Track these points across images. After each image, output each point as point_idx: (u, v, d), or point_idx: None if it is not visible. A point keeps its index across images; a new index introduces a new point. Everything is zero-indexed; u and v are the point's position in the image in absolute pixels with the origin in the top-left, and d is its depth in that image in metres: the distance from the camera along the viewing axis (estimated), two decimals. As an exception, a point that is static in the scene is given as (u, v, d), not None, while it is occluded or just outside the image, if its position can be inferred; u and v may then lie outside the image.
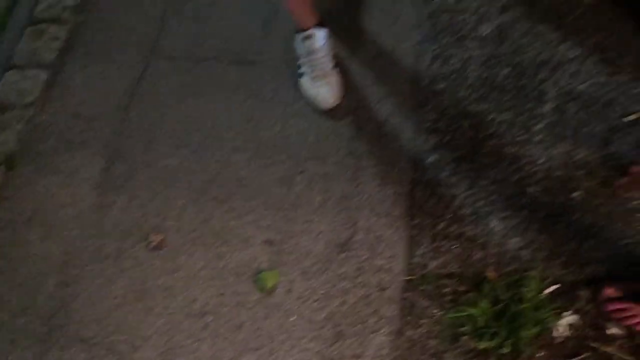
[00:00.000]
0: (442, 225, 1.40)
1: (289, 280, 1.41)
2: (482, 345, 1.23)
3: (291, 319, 1.36)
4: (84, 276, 1.51)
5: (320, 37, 1.55)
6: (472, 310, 1.27)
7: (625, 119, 1.44)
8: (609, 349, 1.21)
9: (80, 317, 1.45)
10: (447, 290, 1.33)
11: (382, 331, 1.31)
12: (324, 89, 1.58)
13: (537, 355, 1.23)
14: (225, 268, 1.45)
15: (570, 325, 1.24)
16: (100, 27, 2.02)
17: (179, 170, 1.63)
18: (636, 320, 1.16)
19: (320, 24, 1.57)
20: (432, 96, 1.59)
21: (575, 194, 1.37)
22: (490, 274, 1.32)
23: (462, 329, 1.27)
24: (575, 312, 1.25)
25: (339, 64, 1.66)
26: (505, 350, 1.21)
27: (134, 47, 1.92)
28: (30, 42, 2.08)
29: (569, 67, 1.54)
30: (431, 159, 1.50)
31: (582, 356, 1.21)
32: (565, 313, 1.25)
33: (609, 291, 1.21)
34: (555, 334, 1.24)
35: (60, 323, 1.45)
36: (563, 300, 1.27)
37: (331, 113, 1.62)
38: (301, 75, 1.63)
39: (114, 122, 1.77)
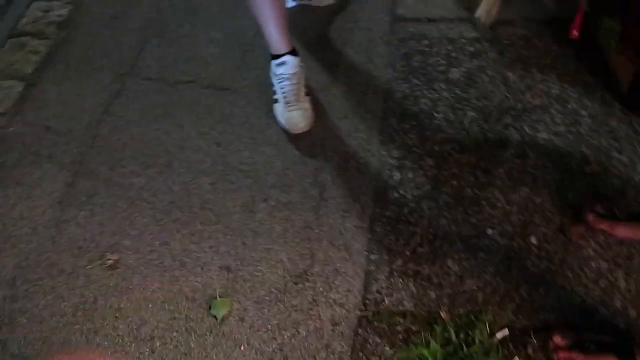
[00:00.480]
0: (399, 262, 1.40)
1: (242, 309, 1.39)
2: (431, 386, 1.22)
3: (241, 349, 1.33)
4: (34, 292, 1.47)
5: (293, 63, 1.60)
6: (423, 351, 1.25)
7: (585, 169, 1.47)
8: (556, 398, 1.20)
9: (25, 334, 1.41)
10: (399, 328, 1.32)
11: (331, 366, 1.29)
12: (295, 114, 1.61)
13: (485, 399, 1.21)
14: (180, 292, 1.43)
15: (519, 372, 1.24)
16: (81, 45, 2.04)
17: (144, 190, 1.62)
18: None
19: (293, 52, 1.62)
20: (400, 133, 1.62)
21: (531, 239, 1.39)
22: (444, 314, 1.32)
23: (412, 368, 1.25)
24: (525, 358, 1.25)
25: (311, 94, 1.70)
26: (452, 392, 1.20)
27: (111, 66, 1.94)
28: (10, 53, 2.09)
29: (532, 115, 1.58)
30: (393, 195, 1.51)
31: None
32: (514, 359, 1.25)
33: (558, 340, 1.21)
34: (503, 379, 1.23)
35: (2, 339, 1.40)
36: (513, 346, 1.26)
37: (299, 143, 1.64)
38: (275, 101, 1.68)
39: (84, 138, 1.77)
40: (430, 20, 1.85)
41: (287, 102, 1.62)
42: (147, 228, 1.55)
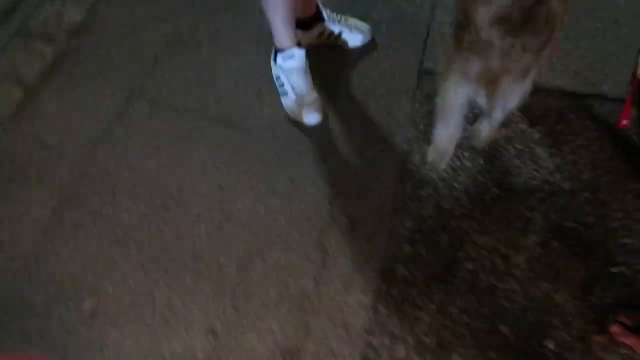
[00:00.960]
0: (402, 351, 1.28)
1: (224, 381, 1.27)
2: None
3: None
4: (2, 335, 1.35)
5: (301, 55, 1.58)
6: None
7: (611, 269, 1.35)
8: None
9: (-16, 380, 1.28)
10: None
11: None
12: (308, 108, 1.63)
13: None
14: (159, 354, 1.31)
15: None
16: (90, 56, 1.93)
17: (134, 229, 1.50)
18: None
19: (298, 45, 1.59)
20: (414, 201, 1.50)
21: (547, 343, 1.27)
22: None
23: None
24: None
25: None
26: None
27: (119, 84, 1.83)
28: (14, 55, 1.98)
29: (560, 199, 1.46)
30: (402, 271, 1.39)
31: None
32: None
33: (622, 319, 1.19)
34: None
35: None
36: None
37: (307, 198, 1.52)
38: (284, 93, 1.66)
39: (78, 161, 1.66)
40: (459, 78, 1.73)
41: (298, 95, 1.62)
42: (132, 274, 1.43)
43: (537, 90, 1.58)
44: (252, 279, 1.40)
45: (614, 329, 1.24)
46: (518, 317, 1.31)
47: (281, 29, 1.56)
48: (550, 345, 1.26)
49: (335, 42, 1.83)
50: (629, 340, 1.22)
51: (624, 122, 1.40)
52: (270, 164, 1.60)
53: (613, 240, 1.40)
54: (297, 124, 1.67)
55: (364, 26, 1.84)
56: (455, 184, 1.53)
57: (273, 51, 1.64)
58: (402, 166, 1.57)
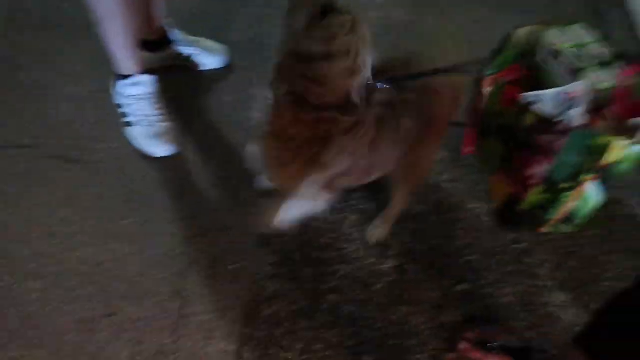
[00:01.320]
0: (268, 399, 1.23)
1: None
2: None
3: None
4: None
5: (148, 82, 1.50)
6: None
7: (458, 288, 1.46)
8: None
9: None
10: None
11: None
12: (159, 138, 1.52)
13: None
14: None
15: None
16: None
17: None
18: None
19: (146, 72, 1.48)
20: (277, 236, 1.47)
21: (406, 368, 1.32)
22: None
23: None
24: None
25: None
26: None
27: None
28: None
29: (411, 223, 1.54)
30: (266, 311, 1.35)
31: None
32: None
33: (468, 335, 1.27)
34: None
35: None
36: None
37: (159, 238, 1.40)
38: (128, 124, 1.54)
39: None
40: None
41: (149, 125, 1.51)
42: (-58, 351, 1.18)
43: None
44: (98, 341, 1.25)
45: (462, 345, 1.33)
46: (379, 345, 1.34)
47: (123, 54, 1.43)
48: (409, 369, 1.32)
49: (185, 64, 1.72)
50: (476, 355, 1.32)
51: (467, 149, 1.52)
52: (119, 204, 1.45)
53: (460, 259, 1.50)
54: (148, 157, 1.54)
55: (219, 48, 1.77)
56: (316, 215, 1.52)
57: (113, 78, 1.48)
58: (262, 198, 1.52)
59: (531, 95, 1.36)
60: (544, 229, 1.55)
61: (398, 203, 1.41)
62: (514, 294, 1.46)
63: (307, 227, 1.50)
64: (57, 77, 1.65)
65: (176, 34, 1.66)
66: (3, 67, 1.65)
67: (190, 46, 1.71)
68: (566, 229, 1.56)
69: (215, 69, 1.76)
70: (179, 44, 1.68)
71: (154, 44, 1.63)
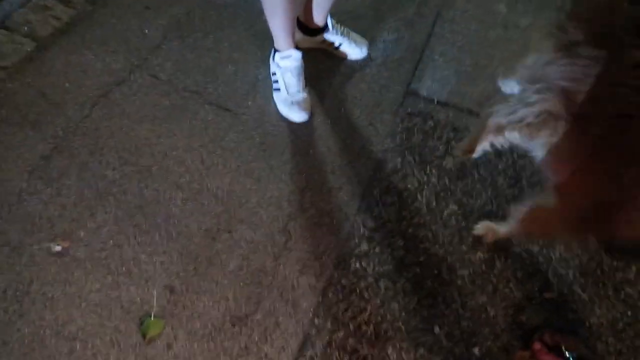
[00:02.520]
0: (341, 334, 1.38)
1: (173, 335, 1.35)
2: None
3: (158, 376, 1.29)
4: (-29, 256, 1.43)
5: (297, 57, 1.73)
6: None
7: (544, 295, 1.47)
8: None
9: (-53, 297, 1.36)
10: (321, 401, 1.29)
11: (242, 421, 1.25)
12: (297, 106, 1.75)
13: None
14: (117, 299, 1.39)
15: None
16: (103, 23, 2.04)
17: (115, 185, 1.59)
18: None
19: (296, 47, 1.73)
20: (379, 205, 1.62)
21: (475, 349, 1.38)
22: (368, 400, 1.29)
23: None
24: None
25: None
26: None
27: (125, 53, 1.93)
28: (31, 12, 2.08)
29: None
30: (355, 265, 1.50)
31: None
32: None
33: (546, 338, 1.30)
34: None
35: None
36: None
37: (281, 184, 1.63)
38: (277, 89, 1.80)
39: (74, 115, 1.75)
40: (440, 104, 1.87)
41: (289, 93, 1.76)
42: (106, 225, 1.52)
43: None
44: (217, 249, 1.50)
45: (537, 346, 1.35)
46: (452, 322, 1.42)
47: (279, 33, 1.69)
48: (477, 351, 1.37)
49: (333, 52, 1.96)
50: (547, 358, 1.33)
51: None
52: (253, 149, 1.71)
53: (552, 269, 1.52)
54: (285, 119, 1.79)
55: (364, 42, 1.98)
56: (419, 196, 1.65)
57: (272, 49, 1.77)
58: (374, 172, 1.69)
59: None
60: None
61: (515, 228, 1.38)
62: (606, 318, 1.44)
63: (408, 205, 1.63)
64: (229, 46, 1.99)
65: (331, 23, 1.91)
66: (190, 29, 2.03)
67: (340, 36, 1.95)
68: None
69: (357, 60, 1.97)
70: (332, 33, 1.92)
71: (312, 30, 1.89)
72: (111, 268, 1.44)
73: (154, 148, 1.68)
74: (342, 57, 1.97)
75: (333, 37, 1.93)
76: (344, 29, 1.96)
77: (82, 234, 1.49)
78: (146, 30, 2.01)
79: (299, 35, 1.88)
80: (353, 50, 1.97)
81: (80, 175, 1.61)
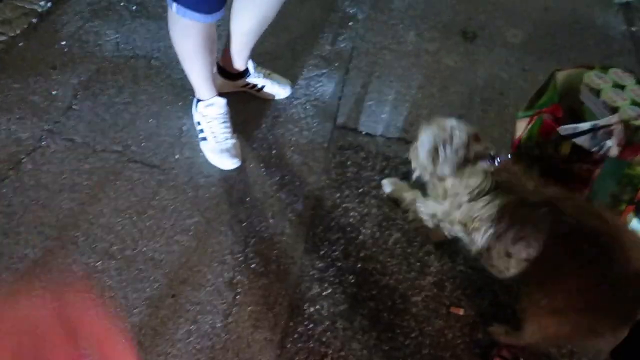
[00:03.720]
0: (305, 385, 1.32)
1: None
2: None
3: None
4: None
5: (221, 104, 1.71)
6: None
7: (495, 307, 1.51)
8: None
9: None
10: None
11: None
12: (227, 153, 1.71)
13: None
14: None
15: None
16: (2, 90, 1.88)
17: (38, 265, 1.46)
18: None
19: (220, 95, 1.71)
20: (325, 244, 1.60)
21: (439, 377, 1.37)
22: None
23: None
24: None
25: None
26: None
27: (32, 118, 1.80)
28: None
29: (452, 245, 1.62)
30: (310, 309, 1.46)
31: None
32: None
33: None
34: None
35: None
36: None
37: (220, 237, 1.57)
38: (203, 139, 1.75)
39: (-19, 193, 1.59)
40: (368, 135, 1.91)
41: (217, 142, 1.72)
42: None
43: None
44: (161, 316, 1.40)
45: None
46: (414, 352, 1.41)
47: (200, 82, 1.66)
48: (442, 378, 1.37)
49: (257, 94, 1.95)
50: (508, 373, 1.36)
51: None
52: (187, 204, 1.63)
53: (499, 282, 1.56)
54: (216, 168, 1.73)
55: (286, 81, 1.99)
56: (362, 229, 1.65)
57: (195, 98, 1.73)
58: (315, 210, 1.67)
59: (569, 127, 1.47)
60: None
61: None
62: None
63: (353, 239, 1.62)
64: (147, 98, 1.91)
65: (251, 66, 1.90)
66: (97, 80, 1.93)
67: (262, 78, 1.94)
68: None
69: (281, 99, 1.97)
70: (253, 75, 1.91)
71: (233, 75, 1.87)
72: None
73: (78, 217, 1.56)
74: (267, 99, 1.96)
75: (255, 79, 1.92)
76: (264, 71, 1.96)
77: (4, 325, 1.33)
78: (54, 92, 1.89)
79: (220, 80, 1.85)
80: (277, 90, 1.97)
81: (-4, 260, 1.45)
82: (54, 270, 1.45)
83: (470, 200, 1.30)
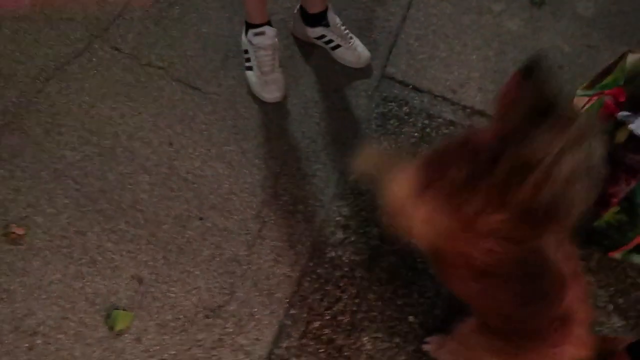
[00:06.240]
0: (317, 324, 1.36)
1: (142, 328, 1.29)
2: None
3: (127, 371, 1.24)
4: None
5: (270, 34, 1.63)
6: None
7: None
8: None
9: None
10: (297, 392, 1.28)
11: (216, 414, 1.23)
12: (270, 86, 1.67)
13: None
14: (80, 291, 1.31)
15: None
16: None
17: (75, 167, 1.49)
18: None
19: (270, 23, 1.64)
20: (354, 192, 1.60)
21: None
22: (344, 389, 1.29)
23: None
24: None
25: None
26: None
27: (83, 22, 1.79)
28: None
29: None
30: (331, 254, 1.48)
31: None
32: None
33: None
34: None
35: None
36: None
37: (254, 169, 1.57)
38: (249, 68, 1.71)
39: (27, 88, 1.61)
40: (415, 89, 1.86)
41: (262, 72, 1.67)
42: (66, 210, 1.42)
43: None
44: (187, 236, 1.43)
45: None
46: (426, 311, 1.43)
47: (252, 5, 1.59)
48: (450, 339, 1.39)
49: (330, 52, 1.82)
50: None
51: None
52: (225, 132, 1.63)
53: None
54: (258, 100, 1.72)
55: (365, 52, 1.82)
56: (394, 184, 1.63)
57: (244, 24, 1.68)
58: (349, 159, 1.66)
59: (629, 114, 1.40)
60: (615, 255, 1.57)
61: None
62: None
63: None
64: (196, 18, 1.87)
65: (334, 20, 1.76)
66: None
67: (340, 38, 1.79)
68: (638, 259, 1.57)
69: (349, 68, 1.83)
70: (332, 28, 1.77)
71: (313, 19, 1.75)
72: (73, 257, 1.35)
73: (118, 128, 1.58)
74: (337, 61, 1.83)
75: (332, 35, 1.78)
76: (346, 32, 1.81)
77: (39, 219, 1.39)
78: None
79: (299, 23, 1.78)
80: (350, 56, 1.82)
81: (35, 155, 1.49)
82: (89, 176, 1.48)
83: None
